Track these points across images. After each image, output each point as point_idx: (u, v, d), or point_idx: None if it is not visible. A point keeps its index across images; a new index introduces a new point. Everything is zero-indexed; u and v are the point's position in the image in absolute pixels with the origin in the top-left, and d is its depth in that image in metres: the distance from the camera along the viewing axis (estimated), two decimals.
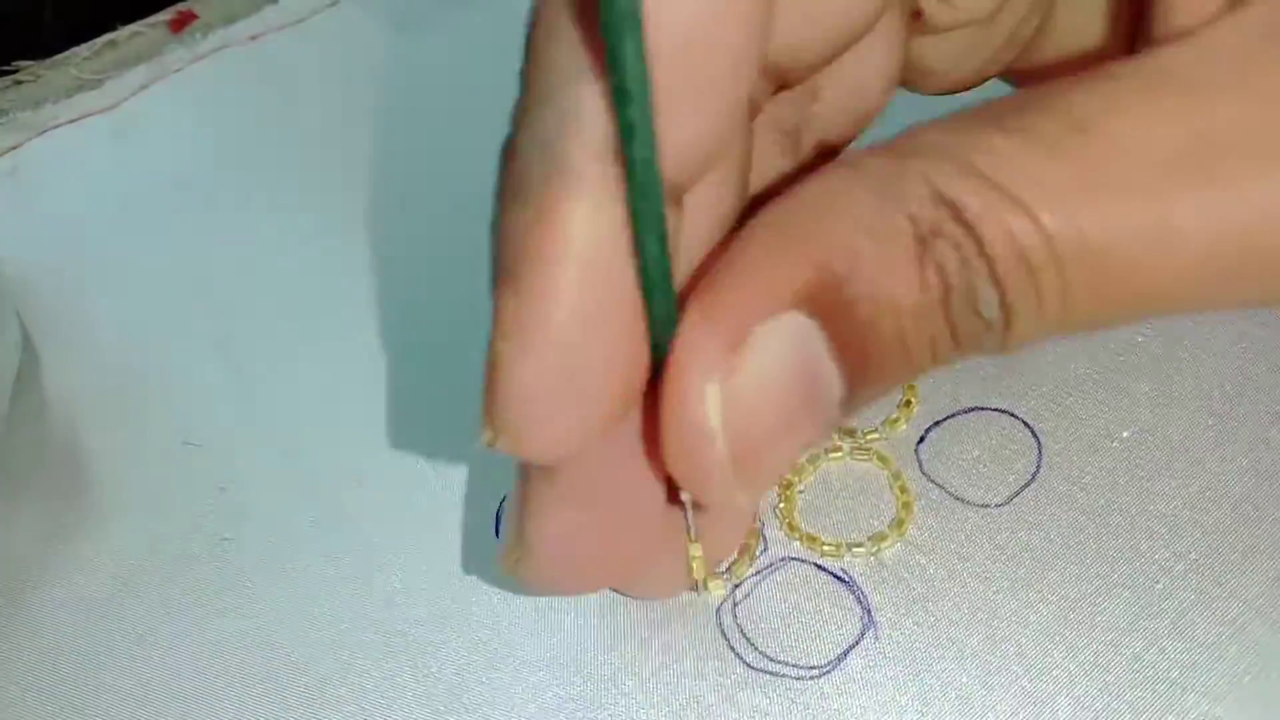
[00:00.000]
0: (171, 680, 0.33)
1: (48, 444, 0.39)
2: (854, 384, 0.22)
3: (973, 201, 0.21)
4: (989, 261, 0.21)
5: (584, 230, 0.21)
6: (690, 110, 0.21)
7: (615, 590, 0.32)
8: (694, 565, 0.29)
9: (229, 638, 0.33)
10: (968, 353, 0.22)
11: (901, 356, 0.22)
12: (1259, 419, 0.34)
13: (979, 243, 0.21)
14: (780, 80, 0.25)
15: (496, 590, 0.33)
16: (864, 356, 0.22)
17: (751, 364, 0.22)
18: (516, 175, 0.22)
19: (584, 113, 0.21)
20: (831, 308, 0.22)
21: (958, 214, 0.21)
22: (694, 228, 0.24)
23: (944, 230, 0.21)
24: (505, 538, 0.27)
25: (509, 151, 0.22)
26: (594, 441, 0.23)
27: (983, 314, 0.22)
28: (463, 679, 0.32)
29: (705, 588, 0.31)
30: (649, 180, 0.21)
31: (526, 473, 0.26)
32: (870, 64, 0.27)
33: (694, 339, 0.22)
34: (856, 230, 0.21)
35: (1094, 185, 0.21)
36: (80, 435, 0.39)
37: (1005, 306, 0.21)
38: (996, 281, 0.21)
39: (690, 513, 0.28)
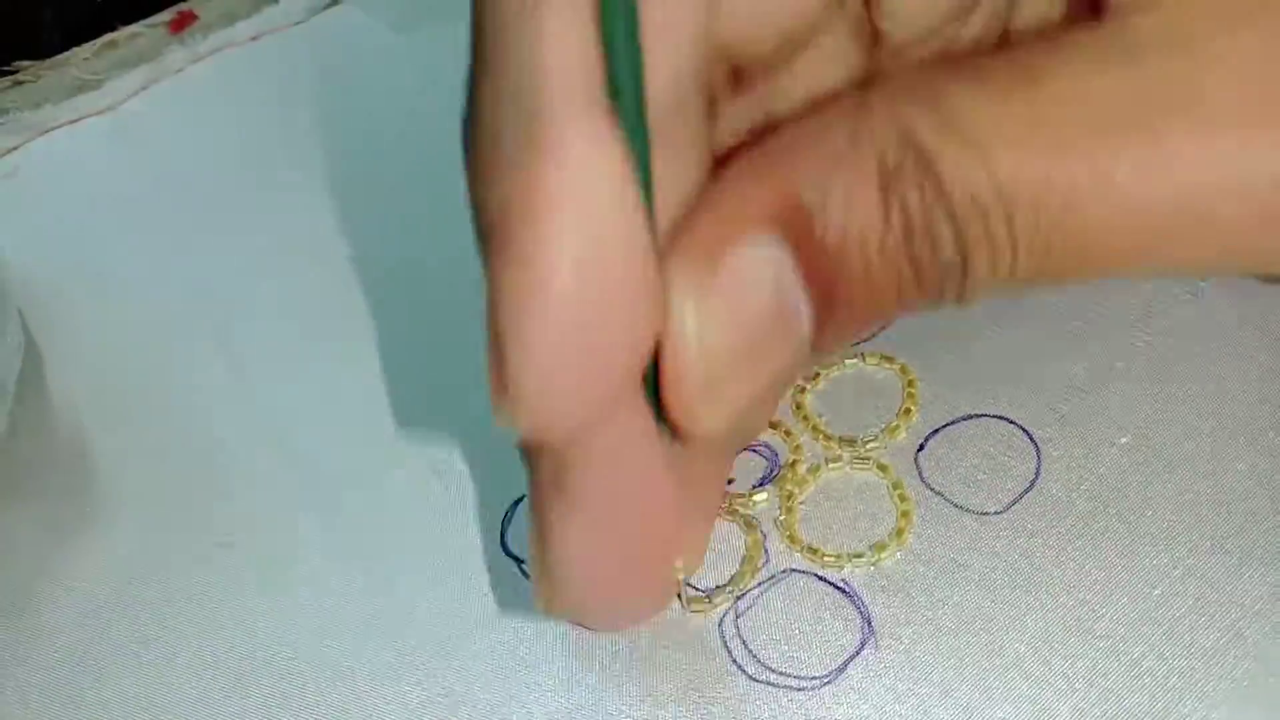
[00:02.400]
0: (173, 683, 0.33)
1: (50, 446, 0.39)
2: (822, 317, 0.23)
3: (933, 141, 0.21)
4: (947, 201, 0.22)
5: (579, 176, 0.20)
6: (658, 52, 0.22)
7: (588, 627, 0.32)
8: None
9: (230, 641, 0.33)
10: (931, 297, 0.23)
11: (867, 292, 0.23)
12: (1257, 426, 0.34)
13: (939, 183, 0.21)
14: (735, 74, 0.26)
15: (500, 596, 0.33)
16: (832, 288, 0.23)
17: (724, 284, 0.22)
18: (489, 132, 0.21)
19: (554, 50, 0.20)
20: (801, 236, 0.22)
21: (921, 155, 0.21)
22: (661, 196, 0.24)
23: (908, 170, 0.22)
24: (533, 578, 0.27)
25: (472, 110, 0.22)
26: (613, 404, 0.23)
27: (942, 256, 0.22)
28: (466, 687, 0.32)
29: (687, 606, 0.32)
30: (636, 120, 0.21)
31: (538, 500, 0.26)
32: (825, 74, 0.27)
33: (671, 264, 0.22)
34: (827, 164, 0.22)
35: (1039, 135, 0.21)
36: (82, 437, 0.39)
37: (961, 248, 0.22)
38: (954, 222, 0.22)
39: None
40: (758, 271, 0.23)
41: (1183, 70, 0.21)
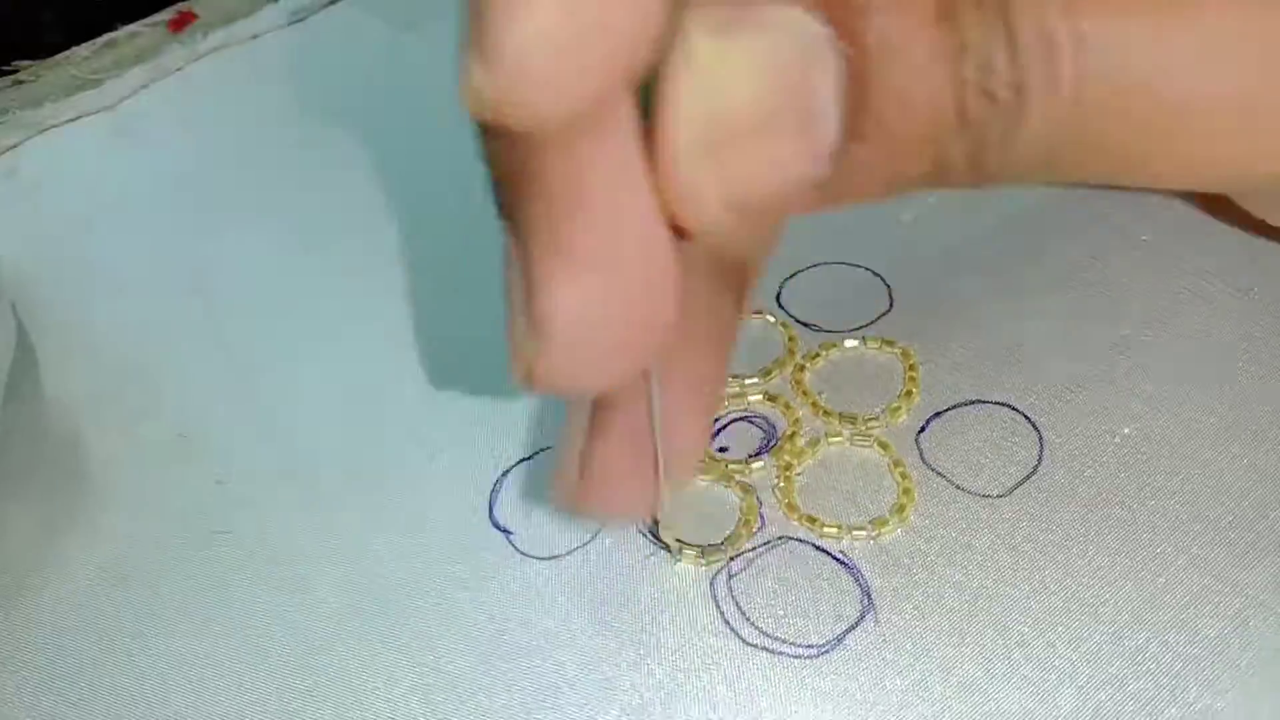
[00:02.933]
0: (168, 675, 0.32)
1: (44, 440, 0.39)
2: (851, 123, 0.21)
3: None
4: (1010, 32, 0.20)
5: None
6: None
7: (577, 513, 0.30)
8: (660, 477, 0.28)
9: (225, 631, 0.33)
10: (972, 138, 0.21)
11: (902, 107, 0.21)
12: (1260, 419, 0.34)
13: (1005, 9, 0.20)
14: None
15: (494, 581, 0.33)
16: (864, 90, 0.20)
17: (744, 38, 0.20)
18: None
19: None
20: (843, 21, 0.20)
21: None
22: None
23: None
24: (512, 345, 0.24)
25: None
26: (602, 102, 0.20)
27: (994, 91, 0.20)
28: (460, 669, 0.31)
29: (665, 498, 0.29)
30: None
31: (526, 247, 0.22)
32: None
33: (695, 5, 0.20)
34: None
35: None
36: (77, 431, 0.39)
37: (1018, 87, 0.20)
38: (1014, 55, 0.20)
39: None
40: (784, 36, 0.20)
41: None
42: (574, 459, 0.27)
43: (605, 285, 0.22)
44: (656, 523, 0.32)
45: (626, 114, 0.21)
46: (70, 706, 0.32)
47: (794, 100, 0.21)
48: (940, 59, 0.20)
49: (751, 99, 0.20)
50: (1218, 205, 0.37)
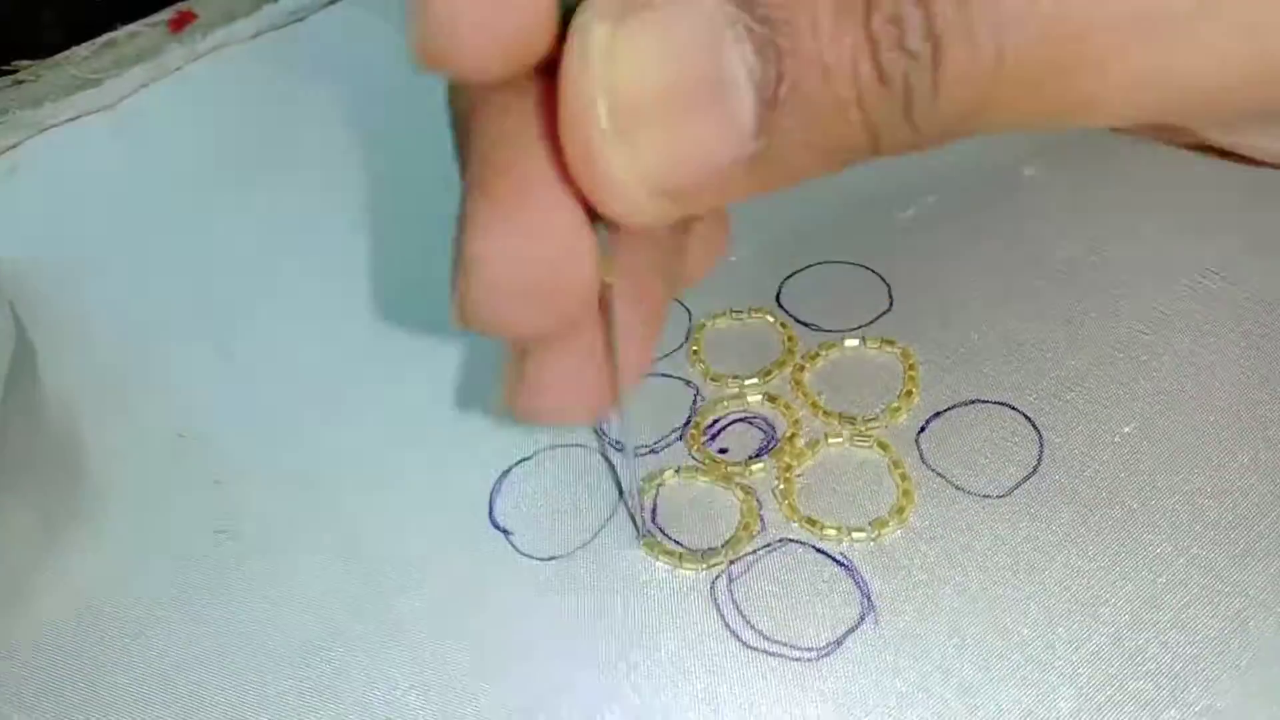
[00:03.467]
0: (167, 673, 0.32)
1: (43, 438, 0.39)
2: (768, 94, 0.20)
3: None
4: None
5: None
6: None
7: (533, 419, 0.29)
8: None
9: (224, 631, 0.33)
10: (894, 99, 0.21)
11: (820, 77, 0.20)
12: (1260, 417, 0.34)
13: None
14: None
15: (493, 580, 0.33)
16: (777, 58, 0.20)
17: (642, 22, 0.20)
18: None
19: None
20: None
21: None
22: None
23: None
24: (451, 289, 0.25)
25: None
26: (525, 47, 0.22)
27: (908, 45, 0.20)
28: (459, 669, 0.31)
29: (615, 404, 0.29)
30: None
31: (466, 203, 0.24)
32: None
33: None
34: None
35: None
36: (76, 429, 0.39)
37: (933, 37, 0.20)
38: (924, 4, 0.20)
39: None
40: (689, 18, 0.20)
41: None
42: (513, 367, 0.27)
43: (520, 236, 0.24)
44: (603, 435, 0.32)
45: (529, 93, 0.22)
46: (68, 704, 0.32)
47: (702, 78, 0.20)
48: (847, 17, 0.20)
49: (657, 81, 0.21)
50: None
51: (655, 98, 0.21)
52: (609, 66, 0.21)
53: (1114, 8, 0.20)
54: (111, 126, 0.50)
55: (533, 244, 0.24)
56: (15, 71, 0.51)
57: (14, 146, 0.49)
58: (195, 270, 0.44)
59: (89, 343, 0.42)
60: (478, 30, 0.21)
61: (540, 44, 0.22)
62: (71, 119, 0.50)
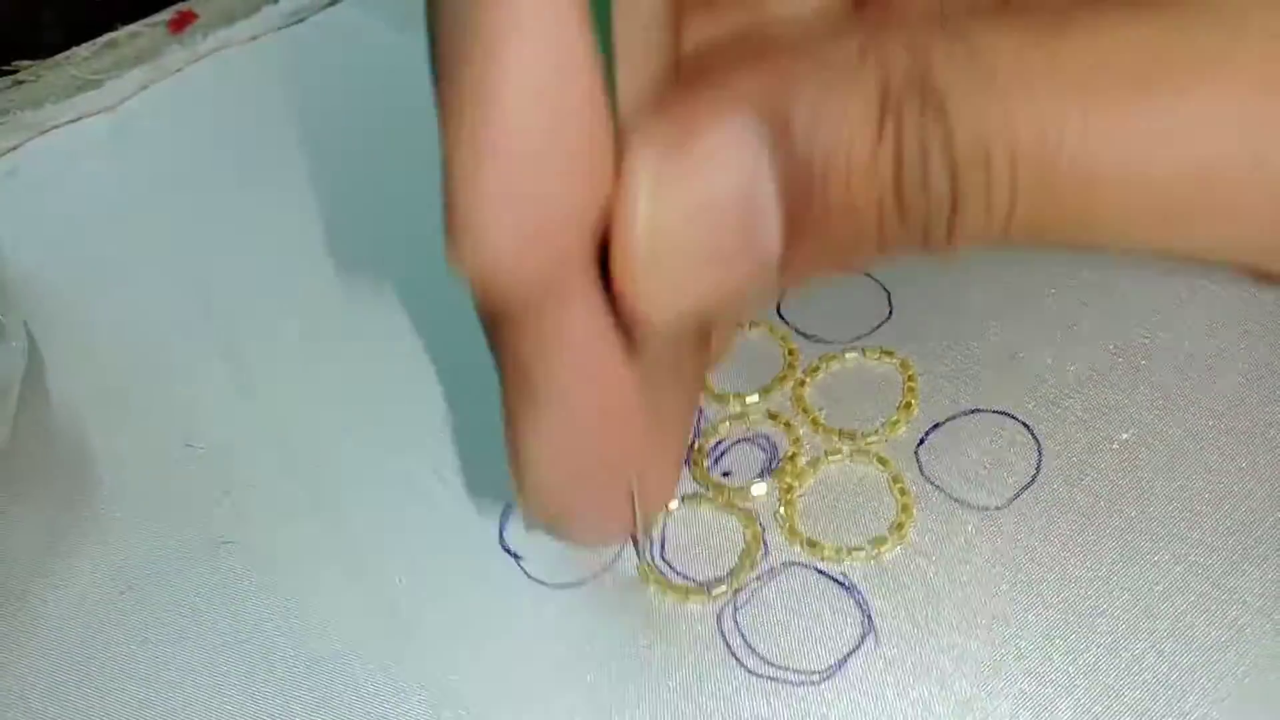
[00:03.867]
0: (173, 683, 0.33)
1: (52, 447, 0.39)
2: (794, 235, 0.22)
3: (946, 71, 0.20)
4: (948, 137, 0.21)
5: (536, 8, 0.20)
6: None
7: (561, 538, 0.31)
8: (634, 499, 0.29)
9: (231, 641, 0.33)
10: (913, 239, 0.22)
11: (845, 218, 0.22)
12: (1259, 421, 0.34)
13: (943, 115, 0.20)
14: None
15: (499, 594, 0.33)
16: (806, 204, 0.21)
17: (690, 166, 0.21)
18: None
19: None
20: (783, 141, 0.21)
21: (929, 83, 0.20)
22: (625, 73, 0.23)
23: (913, 96, 0.21)
24: (514, 488, 0.27)
25: None
26: (564, 269, 0.23)
27: (931, 194, 0.21)
28: (466, 684, 0.32)
29: (642, 530, 0.31)
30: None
31: (507, 401, 0.26)
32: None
33: (636, 136, 0.22)
34: (825, 74, 0.21)
35: (1061, 82, 0.20)
36: (83, 438, 0.39)
37: (955, 189, 0.21)
38: (951, 160, 0.21)
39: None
40: (728, 162, 0.21)
41: (1215, 34, 0.20)
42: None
43: (567, 429, 0.25)
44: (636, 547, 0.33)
45: (589, 273, 0.23)
46: (74, 712, 0.32)
47: (735, 219, 0.22)
48: (881, 173, 0.21)
49: (694, 220, 0.22)
50: None
51: (692, 244, 0.22)
52: (652, 204, 0.21)
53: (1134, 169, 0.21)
54: (112, 127, 0.50)
55: (582, 429, 0.26)
56: (15, 72, 0.51)
57: (14, 148, 0.49)
58: (198, 275, 0.44)
59: (93, 349, 0.42)
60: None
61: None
62: (72, 120, 0.50)
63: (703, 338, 0.30)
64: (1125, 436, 0.34)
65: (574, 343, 0.24)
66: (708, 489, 0.35)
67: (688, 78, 0.23)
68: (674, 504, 0.34)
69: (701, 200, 0.22)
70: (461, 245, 0.22)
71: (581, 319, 0.24)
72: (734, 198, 0.22)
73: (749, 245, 0.22)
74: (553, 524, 0.28)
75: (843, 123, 0.21)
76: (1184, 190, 0.21)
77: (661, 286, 0.22)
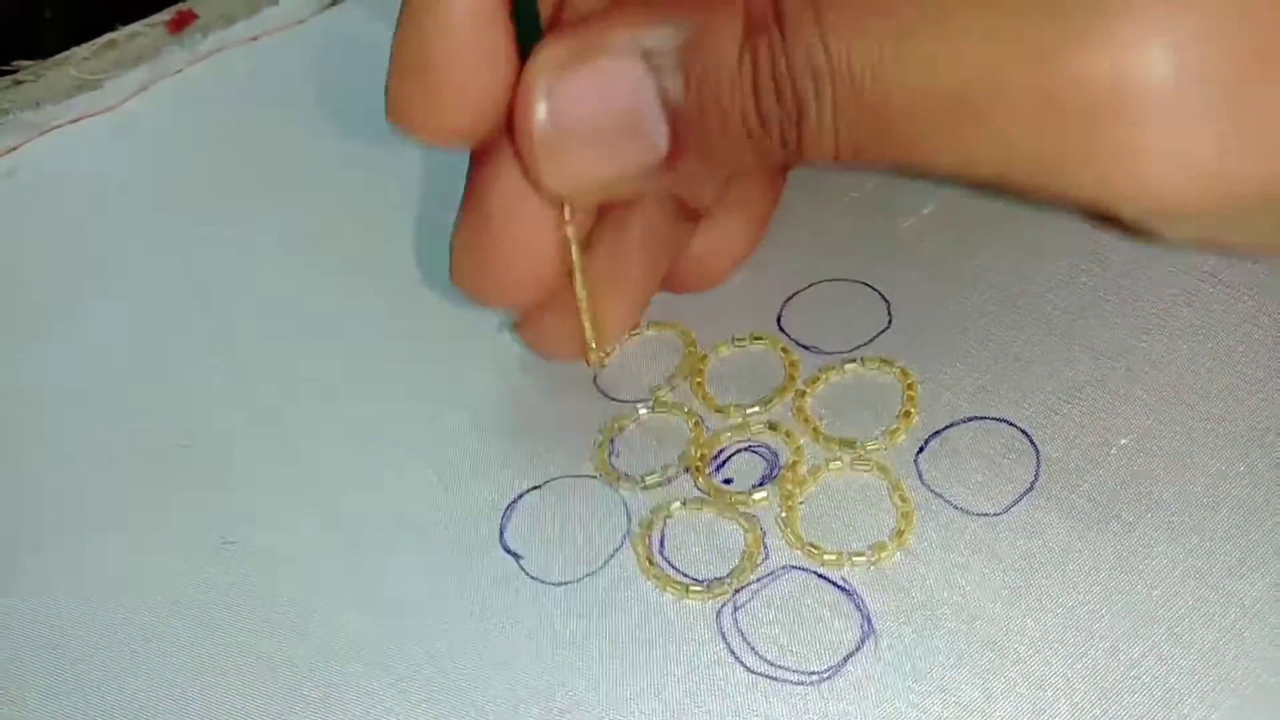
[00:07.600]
0: (173, 682, 0.33)
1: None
2: (680, 131, 0.28)
3: (794, 4, 0.26)
4: (788, 60, 0.26)
5: None
6: None
7: (526, 341, 0.37)
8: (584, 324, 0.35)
9: (231, 640, 0.33)
10: (775, 143, 0.27)
11: (720, 118, 0.27)
12: (1257, 426, 0.34)
13: (783, 42, 0.26)
14: None
15: (500, 593, 0.33)
16: (689, 105, 0.28)
17: (585, 68, 0.28)
18: None
19: None
20: (667, 53, 0.27)
21: (779, 13, 0.26)
22: None
23: (769, 24, 0.26)
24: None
25: None
26: (484, 130, 0.31)
27: (783, 101, 0.26)
28: (467, 683, 0.32)
29: (593, 350, 0.36)
30: None
31: (462, 205, 0.33)
32: None
33: (545, 44, 0.29)
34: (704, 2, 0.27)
35: (869, 13, 0.25)
36: (80, 436, 0.39)
37: (796, 101, 0.26)
38: (791, 80, 0.26)
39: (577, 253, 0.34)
40: (616, 69, 0.28)
41: None
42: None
43: (484, 233, 0.33)
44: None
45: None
46: (74, 711, 0.32)
47: (623, 117, 0.29)
48: (744, 80, 0.27)
49: (585, 115, 0.29)
50: None
51: (586, 130, 0.29)
52: (547, 102, 0.29)
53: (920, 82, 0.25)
54: (112, 127, 0.50)
55: (494, 239, 0.33)
56: (15, 72, 0.51)
57: (14, 148, 0.49)
58: (198, 275, 0.44)
59: (91, 348, 0.42)
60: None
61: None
62: (72, 120, 0.50)
63: (678, 212, 0.36)
64: (1124, 442, 0.34)
65: (501, 182, 0.32)
66: (709, 494, 0.35)
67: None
68: (675, 506, 0.34)
69: (591, 99, 0.28)
70: (397, 105, 0.31)
71: (508, 168, 0.31)
72: (621, 98, 0.28)
73: (637, 140, 0.29)
74: (472, 294, 0.35)
75: (716, 43, 0.27)
76: (957, 106, 0.25)
77: (554, 165, 0.29)
